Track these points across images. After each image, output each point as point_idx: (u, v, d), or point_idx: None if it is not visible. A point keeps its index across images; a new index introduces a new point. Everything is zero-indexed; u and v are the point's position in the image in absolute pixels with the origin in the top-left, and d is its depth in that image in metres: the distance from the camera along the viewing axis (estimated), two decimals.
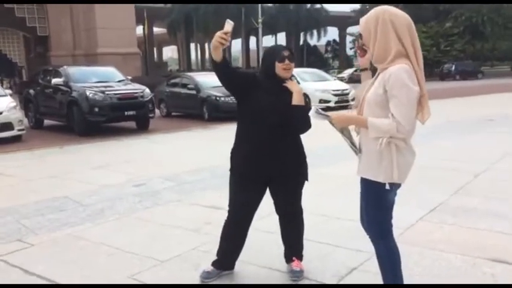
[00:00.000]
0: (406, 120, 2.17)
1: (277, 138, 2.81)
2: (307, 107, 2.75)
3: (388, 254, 2.45)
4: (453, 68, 37.44)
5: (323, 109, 2.43)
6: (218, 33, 2.63)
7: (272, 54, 2.84)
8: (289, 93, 2.80)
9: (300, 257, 3.12)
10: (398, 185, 2.33)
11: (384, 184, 2.27)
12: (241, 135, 2.92)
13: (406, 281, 2.53)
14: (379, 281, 2.65)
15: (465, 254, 3.29)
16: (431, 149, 6.72)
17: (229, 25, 2.62)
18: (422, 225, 3.93)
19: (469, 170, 5.77)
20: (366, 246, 3.35)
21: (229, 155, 2.98)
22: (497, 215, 4.09)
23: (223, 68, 2.76)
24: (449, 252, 3.34)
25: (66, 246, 3.81)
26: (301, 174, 2.97)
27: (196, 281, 3.06)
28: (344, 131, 2.36)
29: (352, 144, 2.41)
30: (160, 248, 3.68)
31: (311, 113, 2.38)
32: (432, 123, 8.21)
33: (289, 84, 2.83)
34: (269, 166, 2.84)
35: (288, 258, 3.11)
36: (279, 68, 2.79)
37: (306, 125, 2.81)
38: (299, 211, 3.07)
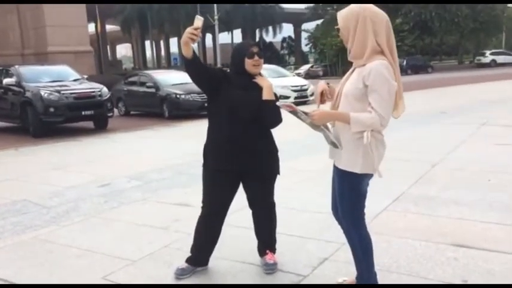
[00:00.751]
0: (388, 114, 2.28)
1: (249, 133, 2.85)
2: (277, 101, 2.80)
3: (360, 243, 2.54)
4: (404, 63, 38.69)
5: (296, 104, 2.48)
6: (188, 29, 2.63)
7: (241, 51, 2.87)
8: (259, 89, 2.85)
9: (273, 250, 3.18)
10: (371, 176, 2.43)
11: (360, 175, 2.36)
12: (213, 131, 2.94)
13: (376, 268, 2.65)
14: (350, 269, 2.76)
15: (428, 240, 3.45)
16: (388, 141, 6.93)
17: (199, 21, 2.63)
18: (387, 214, 4.09)
19: (426, 160, 6.03)
20: (336, 237, 3.48)
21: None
22: (455, 202, 4.30)
23: (193, 64, 2.75)
24: (413, 239, 3.50)
25: (33, 250, 3.70)
26: (273, 169, 3.03)
27: (171, 278, 3.06)
28: (322, 127, 2.41)
29: (333, 139, 2.43)
30: (130, 247, 3.64)
31: (280, 105, 2.43)
32: None
33: (259, 80, 2.88)
34: (242, 161, 2.88)
35: (262, 251, 3.17)
36: (249, 64, 2.83)
37: (277, 120, 2.87)
38: (272, 205, 3.13)
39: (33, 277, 3.17)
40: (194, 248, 3.11)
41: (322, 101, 2.54)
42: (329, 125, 2.47)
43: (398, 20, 41.67)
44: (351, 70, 2.45)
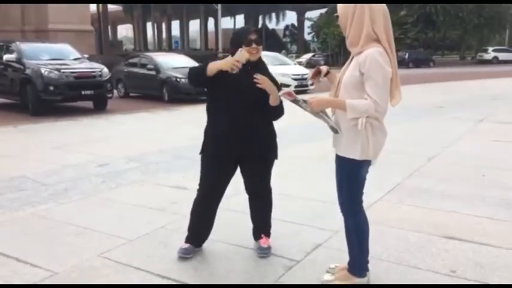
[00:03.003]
0: (383, 100, 2.31)
1: (247, 118, 2.89)
2: (281, 105, 2.91)
3: (356, 228, 2.61)
4: (406, 56, 38.58)
5: (296, 93, 2.53)
6: (232, 60, 2.74)
7: (240, 38, 2.88)
8: (264, 73, 2.87)
9: (267, 235, 3.24)
10: (370, 162, 2.47)
11: (359, 161, 2.41)
12: (213, 116, 2.98)
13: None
14: (343, 256, 2.82)
15: (421, 232, 3.52)
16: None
17: (243, 57, 2.73)
18: (381, 205, 4.14)
19: (423, 153, 6.08)
20: (330, 224, 3.55)
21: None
22: (449, 196, 4.37)
23: (205, 82, 2.89)
24: (406, 230, 3.56)
25: (31, 226, 3.76)
26: (270, 153, 3.07)
27: (167, 258, 3.12)
28: (321, 113, 2.46)
29: (334, 124, 2.49)
30: (128, 227, 3.70)
31: (281, 94, 2.48)
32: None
33: (261, 81, 2.79)
34: (240, 146, 2.92)
35: (256, 235, 3.23)
36: (246, 50, 2.82)
37: (280, 114, 2.98)
38: (268, 190, 3.18)
39: (32, 253, 3.22)
40: (192, 230, 3.16)
41: (313, 77, 2.63)
42: (329, 112, 2.51)
43: (402, 12, 41.46)
44: (349, 59, 2.49)
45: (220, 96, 2.91)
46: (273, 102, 2.85)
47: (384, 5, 2.40)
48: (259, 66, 2.93)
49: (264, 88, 2.80)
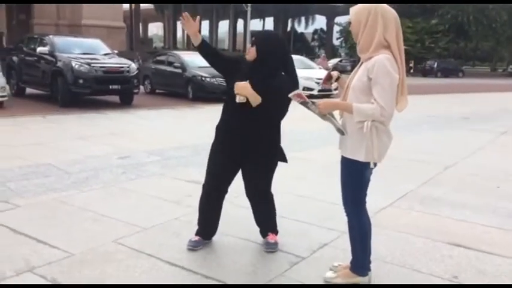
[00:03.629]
0: (389, 105, 2.39)
1: (252, 119, 2.94)
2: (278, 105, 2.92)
3: (360, 229, 2.69)
4: (435, 65, 38.07)
5: (319, 97, 2.64)
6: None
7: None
8: (259, 76, 2.89)
9: (275, 232, 3.33)
10: (375, 164, 2.56)
11: (363, 163, 2.51)
12: (223, 114, 3.14)
13: (372, 257, 2.78)
14: (348, 255, 2.90)
15: (427, 238, 3.56)
16: (407, 141, 7.01)
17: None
18: (391, 210, 4.19)
19: (440, 162, 6.08)
20: (338, 225, 3.63)
21: (212, 134, 3.19)
22: (460, 205, 4.38)
23: (203, 50, 3.06)
24: (413, 235, 3.61)
25: (53, 210, 3.96)
26: (272, 157, 3.11)
27: (178, 247, 3.25)
28: (328, 116, 2.56)
29: (340, 126, 2.59)
30: (143, 216, 3.86)
31: (291, 95, 2.58)
32: (410, 116, 8.52)
33: (237, 89, 2.87)
34: (243, 144, 3.03)
35: (264, 234, 3.32)
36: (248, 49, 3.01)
37: (280, 114, 3.02)
38: (269, 195, 3.22)
39: (52, 235, 3.41)
40: (200, 223, 3.29)
41: (325, 82, 2.82)
42: (337, 115, 2.61)
43: (434, 20, 40.91)
44: (358, 65, 2.58)
45: (228, 95, 3.05)
46: (253, 103, 2.87)
47: (395, 12, 2.48)
48: (260, 69, 2.91)
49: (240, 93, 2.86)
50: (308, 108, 2.56)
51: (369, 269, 2.79)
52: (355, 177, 2.60)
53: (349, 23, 2.58)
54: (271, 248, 3.23)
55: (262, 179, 3.15)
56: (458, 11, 40.10)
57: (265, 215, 3.28)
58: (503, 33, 41.73)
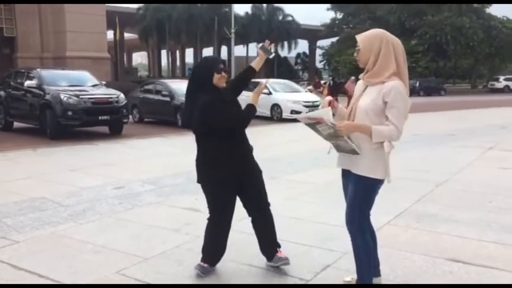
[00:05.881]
0: (402, 127, 2.58)
1: (243, 140, 3.19)
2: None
3: (365, 245, 2.78)
4: (418, 84, 38.78)
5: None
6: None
7: (210, 66, 3.10)
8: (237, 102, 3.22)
9: (280, 248, 3.35)
10: (381, 181, 2.70)
11: (379, 180, 2.67)
12: (224, 143, 3.15)
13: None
14: (351, 275, 2.94)
15: (427, 255, 3.62)
16: (397, 159, 7.10)
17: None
18: (389, 228, 4.26)
19: (432, 179, 6.19)
20: (339, 246, 3.67)
21: None
22: (455, 221, 4.46)
23: None
24: (412, 252, 3.67)
25: (52, 244, 3.94)
26: (260, 171, 3.28)
27: (181, 275, 3.26)
28: (346, 138, 2.64)
29: (355, 147, 2.67)
30: (144, 246, 3.86)
31: (302, 119, 2.66)
32: None
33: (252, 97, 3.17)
34: (245, 168, 3.18)
35: (270, 253, 3.32)
36: (216, 78, 3.07)
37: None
38: (269, 204, 3.33)
39: (53, 269, 3.39)
40: (210, 251, 3.27)
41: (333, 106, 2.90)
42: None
43: (413, 41, 41.91)
44: (362, 88, 2.73)
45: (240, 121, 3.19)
46: (254, 101, 3.16)
47: (400, 42, 2.66)
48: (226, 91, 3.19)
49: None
50: (315, 129, 2.66)
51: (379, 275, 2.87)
52: (368, 194, 2.72)
53: (358, 50, 2.69)
54: (286, 261, 3.26)
55: (265, 191, 3.28)
56: (436, 31, 41.16)
57: (272, 230, 3.31)
58: (481, 51, 42.85)
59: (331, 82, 3.02)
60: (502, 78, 45.38)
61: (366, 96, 2.67)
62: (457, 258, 3.54)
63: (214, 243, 3.26)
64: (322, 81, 32.65)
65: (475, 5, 44.28)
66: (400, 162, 7.37)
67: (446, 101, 28.43)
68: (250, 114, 3.11)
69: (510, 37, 43.32)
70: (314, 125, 2.65)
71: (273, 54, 3.36)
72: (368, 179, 2.66)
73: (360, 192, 2.72)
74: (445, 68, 45.86)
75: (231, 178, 3.13)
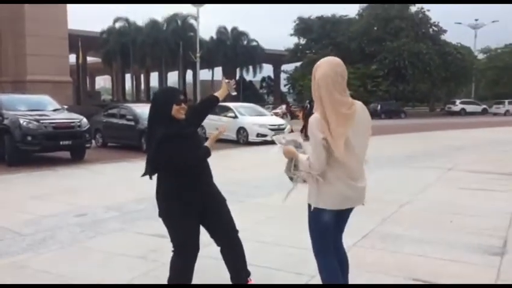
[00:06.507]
0: (315, 161, 2.57)
1: (205, 167, 3.13)
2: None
3: (325, 271, 2.78)
4: (379, 107, 39.95)
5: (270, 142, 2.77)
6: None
7: (169, 98, 2.99)
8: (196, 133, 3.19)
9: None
10: (330, 211, 2.67)
11: (317, 208, 2.68)
12: (183, 175, 3.03)
13: None
14: None
15: (395, 275, 3.68)
16: None
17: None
18: (356, 250, 4.30)
19: (395, 200, 6.33)
20: (307, 269, 3.68)
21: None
22: (419, 241, 4.57)
23: None
24: (379, 273, 3.73)
25: (11, 275, 3.77)
26: (224, 199, 3.23)
27: None
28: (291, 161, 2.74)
29: (292, 174, 2.77)
30: (109, 275, 3.75)
31: (278, 140, 2.73)
32: None
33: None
34: (207, 197, 3.10)
35: (241, 282, 3.24)
36: (176, 110, 2.95)
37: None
38: (236, 232, 3.24)
39: None
40: (175, 284, 3.10)
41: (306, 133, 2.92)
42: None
43: (373, 66, 43.28)
44: None
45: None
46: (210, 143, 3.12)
47: (331, 70, 2.58)
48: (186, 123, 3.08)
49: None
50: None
51: None
52: (313, 221, 2.73)
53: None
54: None
55: (231, 219, 3.21)
56: (394, 56, 42.63)
57: (242, 258, 3.24)
58: (438, 76, 44.65)
59: (308, 105, 3.07)
60: (458, 101, 47.53)
61: None
62: (421, 277, 3.61)
63: (179, 277, 3.11)
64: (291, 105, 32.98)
65: (431, 31, 46.29)
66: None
67: (406, 124, 29.32)
68: (205, 157, 3.04)
69: (464, 62, 45.48)
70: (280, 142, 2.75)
71: (235, 93, 3.47)
72: (309, 205, 2.72)
73: (310, 220, 2.76)
74: (405, 91, 47.38)
75: (191, 211, 3.02)
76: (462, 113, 44.80)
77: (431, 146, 14.34)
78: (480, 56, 58.05)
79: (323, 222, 2.71)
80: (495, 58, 56.93)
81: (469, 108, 46.09)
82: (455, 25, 52.70)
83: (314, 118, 2.61)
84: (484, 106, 47.20)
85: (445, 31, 46.63)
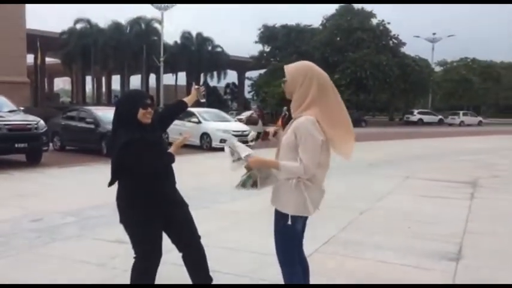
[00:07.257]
0: (311, 164, 2.52)
1: (169, 172, 3.04)
2: None
3: (291, 280, 2.74)
4: None
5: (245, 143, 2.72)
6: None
7: (135, 101, 2.87)
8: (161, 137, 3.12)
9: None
10: (305, 218, 2.67)
11: (292, 216, 2.59)
12: (149, 181, 2.93)
13: None
14: None
15: (357, 281, 3.73)
16: None
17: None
18: (318, 256, 4.34)
19: (355, 207, 6.45)
20: (271, 275, 3.68)
21: None
22: (379, 247, 4.66)
23: None
24: (342, 279, 3.77)
25: None
26: (186, 205, 3.14)
27: None
28: (256, 171, 2.66)
29: (258, 180, 2.69)
30: (67, 281, 3.62)
31: (227, 149, 2.67)
32: None
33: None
34: (171, 203, 3.01)
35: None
36: (141, 114, 2.84)
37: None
38: (199, 238, 3.17)
39: None
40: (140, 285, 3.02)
41: (263, 138, 2.91)
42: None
43: (336, 75, 44.13)
44: (291, 122, 2.69)
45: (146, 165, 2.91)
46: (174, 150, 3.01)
47: (327, 76, 2.67)
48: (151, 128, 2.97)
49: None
50: (233, 152, 2.67)
51: None
52: (285, 229, 2.64)
53: (285, 81, 2.67)
54: None
55: (194, 225, 3.12)
56: (356, 66, 43.62)
57: (204, 265, 3.16)
58: (397, 87, 46.02)
59: (287, 113, 3.06)
60: (416, 111, 49.16)
61: (288, 130, 2.65)
62: (383, 283, 3.68)
63: (141, 282, 3.01)
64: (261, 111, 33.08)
65: (391, 44, 47.70)
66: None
67: (366, 132, 29.95)
68: (169, 163, 2.96)
69: (422, 74, 47.08)
70: (234, 147, 2.67)
71: (204, 100, 3.48)
72: (283, 214, 2.61)
73: (277, 226, 2.68)
74: (366, 101, 48.56)
75: (154, 217, 2.93)
76: (420, 122, 46.35)
77: (390, 154, 14.72)
78: (437, 69, 60.40)
79: (297, 231, 2.68)
80: (451, 71, 59.32)
81: (426, 118, 47.78)
82: (413, 38, 54.65)
83: (307, 119, 2.52)
84: (440, 117, 49.00)
85: (404, 44, 48.20)
